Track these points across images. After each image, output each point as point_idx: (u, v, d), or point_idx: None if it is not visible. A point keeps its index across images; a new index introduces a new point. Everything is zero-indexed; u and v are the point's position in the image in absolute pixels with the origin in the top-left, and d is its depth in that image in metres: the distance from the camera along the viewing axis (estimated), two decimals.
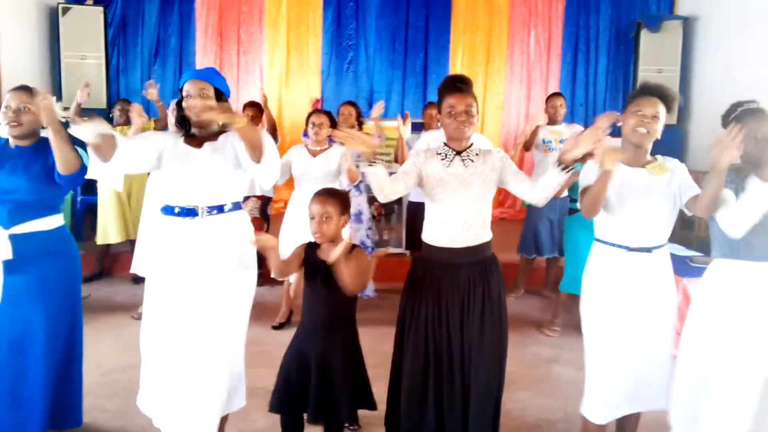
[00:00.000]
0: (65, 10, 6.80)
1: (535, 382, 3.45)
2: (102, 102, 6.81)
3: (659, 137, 2.36)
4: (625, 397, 2.42)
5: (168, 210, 2.40)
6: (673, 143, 6.41)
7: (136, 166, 2.41)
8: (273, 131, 5.22)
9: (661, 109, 2.33)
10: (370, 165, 2.30)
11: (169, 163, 2.40)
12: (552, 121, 4.90)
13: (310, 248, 2.40)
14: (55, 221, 2.57)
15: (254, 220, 4.95)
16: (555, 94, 5.05)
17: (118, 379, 3.09)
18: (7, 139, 2.57)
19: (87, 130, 2.14)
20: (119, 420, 2.87)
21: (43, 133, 2.64)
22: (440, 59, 7.51)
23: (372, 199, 5.05)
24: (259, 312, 3.93)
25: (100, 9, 6.97)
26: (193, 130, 2.45)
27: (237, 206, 2.46)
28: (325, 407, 2.29)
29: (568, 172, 2.25)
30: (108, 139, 2.23)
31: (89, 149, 2.26)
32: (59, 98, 6.84)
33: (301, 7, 7.44)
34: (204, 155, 2.38)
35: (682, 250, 4.62)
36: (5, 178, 2.45)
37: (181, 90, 2.43)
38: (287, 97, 7.53)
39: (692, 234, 5.62)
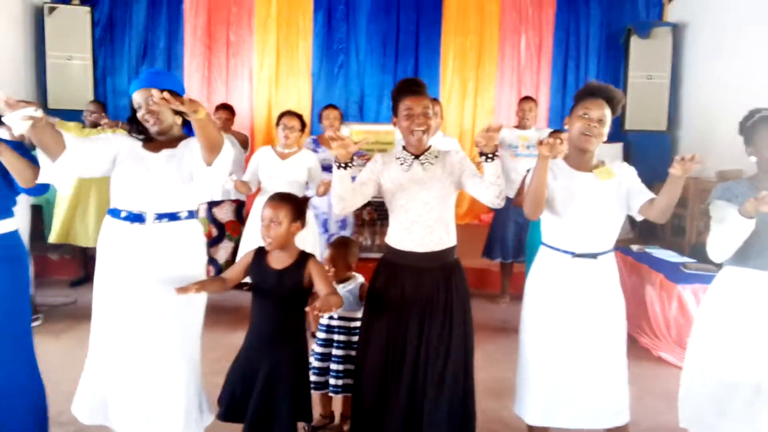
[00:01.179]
0: (51, 10, 6.69)
1: None
2: (99, 101, 6.69)
3: (605, 140, 2.35)
4: (566, 406, 2.38)
5: (115, 213, 2.34)
6: (662, 150, 6.43)
7: (89, 169, 2.32)
8: (244, 143, 5.18)
9: (607, 111, 2.31)
10: (339, 167, 2.25)
11: (122, 164, 2.33)
12: (521, 126, 4.86)
13: (260, 254, 2.34)
14: (5, 226, 2.46)
15: (229, 223, 4.90)
16: (526, 98, 4.98)
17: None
18: None
19: (13, 117, 2.01)
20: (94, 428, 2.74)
21: None
22: (431, 63, 7.49)
23: (365, 204, 5.01)
24: (219, 316, 3.86)
25: (87, 9, 6.87)
26: (153, 134, 2.38)
27: (191, 215, 2.39)
28: (264, 419, 2.23)
29: (489, 159, 2.21)
30: (53, 135, 2.14)
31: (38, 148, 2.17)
32: (44, 99, 6.74)
33: (291, 9, 7.38)
34: (160, 160, 2.32)
35: (674, 257, 4.63)
36: None
37: (131, 102, 2.34)
38: (276, 100, 7.45)
39: (684, 240, 5.63)
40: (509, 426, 2.94)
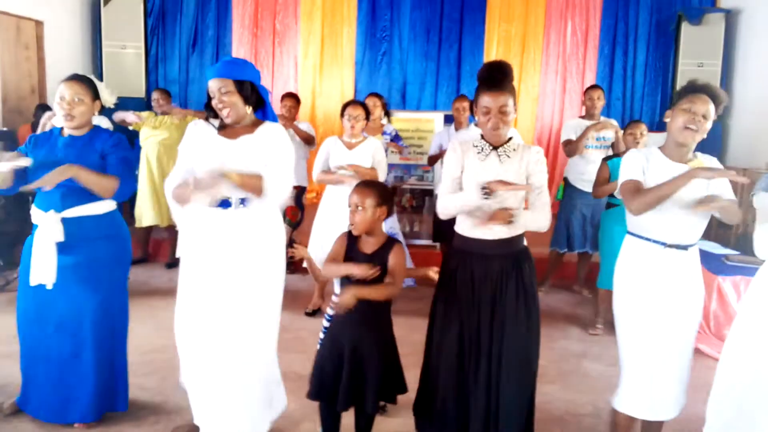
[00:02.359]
0: (107, 1, 6.95)
1: (563, 376, 3.45)
2: (141, 91, 6.96)
3: (705, 137, 2.33)
4: (661, 400, 2.40)
5: None
6: (713, 138, 6.26)
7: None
8: (308, 140, 5.29)
9: (711, 108, 2.29)
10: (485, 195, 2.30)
11: (204, 151, 2.43)
12: (589, 115, 4.83)
13: (351, 238, 2.41)
14: (106, 206, 2.66)
15: (289, 209, 5.05)
16: (593, 87, 4.96)
17: (156, 359, 3.19)
18: (61, 128, 2.67)
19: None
20: (158, 397, 2.98)
21: (95, 121, 2.74)
22: (475, 50, 7.45)
23: (404, 191, 5.09)
24: (291, 299, 4.01)
25: (140, 0, 7.11)
26: (227, 122, 2.48)
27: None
28: (354, 397, 2.33)
29: (488, 197, 2.25)
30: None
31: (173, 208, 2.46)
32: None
33: None
34: (238, 147, 2.41)
35: (717, 248, 4.55)
36: (61, 165, 2.52)
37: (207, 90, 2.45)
38: (321, 88, 7.57)
39: (730, 232, 5.50)
40: (542, 411, 2.97)
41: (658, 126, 7.17)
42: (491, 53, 7.46)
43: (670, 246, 2.35)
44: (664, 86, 7.30)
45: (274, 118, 2.56)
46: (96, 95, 2.68)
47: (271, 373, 2.59)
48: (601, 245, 4.16)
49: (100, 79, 6.93)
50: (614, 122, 4.84)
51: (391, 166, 4.65)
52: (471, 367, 2.36)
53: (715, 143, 5.99)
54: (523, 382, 2.37)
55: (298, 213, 5.02)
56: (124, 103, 5.79)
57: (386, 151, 4.46)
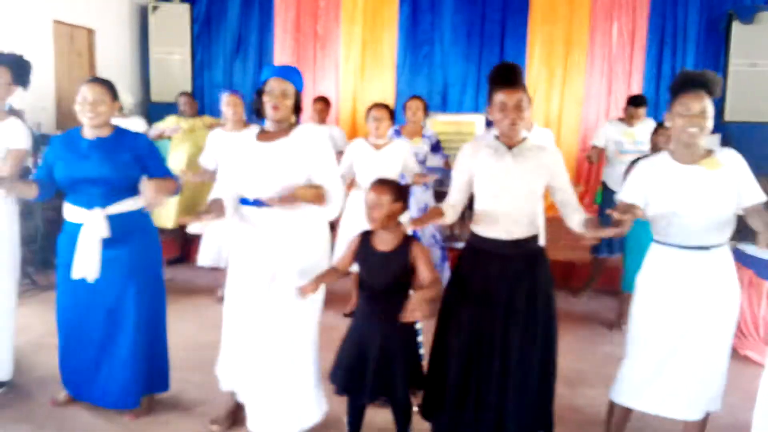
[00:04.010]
0: (155, 8, 7.18)
1: (605, 381, 3.31)
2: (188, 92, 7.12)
3: (711, 131, 2.27)
4: (666, 396, 2.36)
5: (244, 201, 2.55)
6: (766, 142, 6.06)
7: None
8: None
9: (708, 101, 2.24)
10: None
11: (242, 155, 2.51)
12: (629, 123, 4.74)
13: (365, 238, 2.44)
14: (137, 203, 2.74)
15: None
16: (639, 102, 4.77)
17: (201, 356, 3.27)
18: (80, 129, 2.76)
19: None
20: (202, 390, 3.06)
21: (131, 123, 2.85)
22: (517, 53, 7.36)
23: (439, 195, 5.06)
24: (329, 300, 4.01)
25: (187, 6, 7.32)
26: (268, 125, 2.55)
27: None
28: (382, 388, 2.36)
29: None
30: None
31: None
32: (147, 92, 7.23)
33: (378, 1, 7.50)
34: (275, 149, 2.47)
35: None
36: (94, 168, 2.66)
37: (264, 83, 2.51)
38: (362, 92, 7.62)
39: None
40: (581, 413, 2.95)
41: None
42: (534, 55, 7.38)
43: (692, 248, 2.30)
44: None
45: None
46: (115, 96, 2.78)
47: (312, 373, 2.62)
48: (626, 249, 4.06)
49: (148, 84, 7.19)
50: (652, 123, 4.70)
51: (431, 170, 4.64)
52: (482, 367, 2.35)
53: (767, 147, 5.78)
54: (537, 383, 2.35)
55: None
56: (169, 108, 5.95)
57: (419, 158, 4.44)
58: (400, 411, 2.49)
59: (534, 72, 7.41)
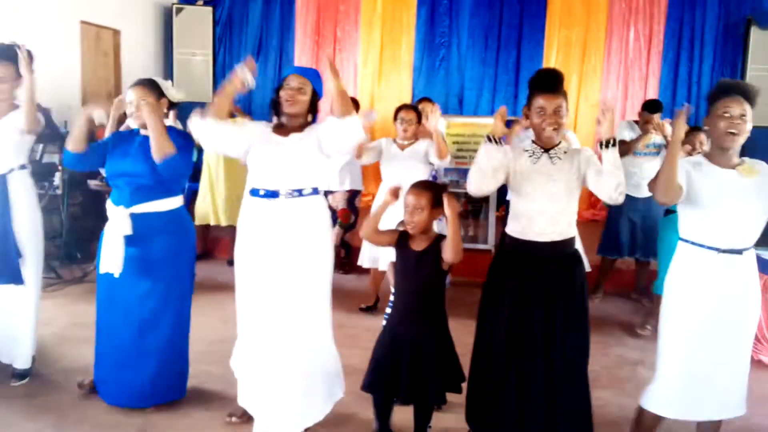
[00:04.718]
0: (178, 10, 7.32)
1: (617, 382, 3.42)
2: (208, 96, 7.21)
3: (749, 136, 2.31)
4: (695, 401, 2.38)
5: (254, 192, 2.62)
6: None
7: (229, 147, 2.64)
8: None
9: (747, 107, 2.27)
10: (490, 141, 2.35)
11: (258, 148, 2.60)
12: (644, 130, 4.71)
13: (403, 237, 2.50)
14: (172, 203, 2.85)
15: (342, 211, 5.18)
16: (655, 108, 4.62)
17: (222, 349, 3.33)
18: (138, 129, 2.88)
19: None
20: (222, 383, 3.13)
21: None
22: (534, 56, 7.42)
23: (458, 195, 5.12)
24: (346, 298, 4.12)
25: (210, 9, 7.46)
26: (283, 119, 2.64)
27: (315, 191, 2.63)
28: (416, 390, 2.40)
29: (609, 146, 2.26)
30: (227, 106, 2.56)
31: (212, 106, 2.54)
32: None
33: (396, 5, 7.59)
34: (289, 144, 2.57)
35: None
36: (131, 165, 2.77)
37: (283, 80, 2.61)
38: (380, 94, 7.70)
39: None
40: (597, 415, 2.96)
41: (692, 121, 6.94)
42: (551, 59, 7.42)
43: (725, 251, 2.32)
44: None
45: None
46: (160, 94, 2.86)
47: (331, 363, 2.70)
48: (659, 251, 4.08)
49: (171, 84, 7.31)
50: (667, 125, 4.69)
51: (446, 171, 4.70)
52: (524, 370, 2.37)
53: None
54: (580, 384, 2.39)
55: (351, 216, 5.14)
56: (192, 107, 6.07)
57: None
58: (424, 412, 2.53)
59: None
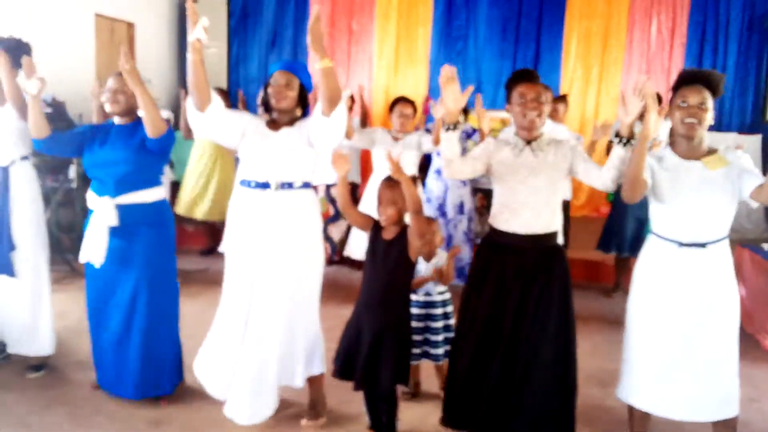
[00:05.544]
0: (193, 2, 7.27)
1: None
2: (223, 88, 7.23)
3: (711, 124, 2.27)
4: (669, 396, 2.35)
5: (245, 183, 2.63)
6: None
7: (223, 134, 2.62)
8: (364, 119, 5.39)
9: (707, 95, 2.23)
10: (447, 129, 2.35)
11: (250, 139, 2.61)
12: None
13: (377, 228, 2.53)
14: (155, 194, 2.83)
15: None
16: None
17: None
18: (112, 121, 2.88)
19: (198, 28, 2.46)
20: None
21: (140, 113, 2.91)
22: (553, 48, 7.28)
23: (475, 191, 5.04)
24: (332, 290, 4.05)
25: (224, 1, 7.43)
26: (274, 115, 2.66)
27: (306, 185, 2.64)
28: (369, 376, 2.43)
29: (627, 145, 2.22)
30: (205, 77, 2.47)
31: (189, 88, 2.46)
32: (185, 84, 7.33)
33: None
34: (280, 137, 2.59)
35: None
36: (109, 152, 2.76)
37: (269, 76, 2.62)
38: (395, 87, 7.61)
39: None
40: (611, 414, 2.92)
41: (750, 128, 6.78)
42: (570, 51, 7.29)
43: (685, 245, 2.29)
44: (757, 86, 6.90)
45: None
46: None
47: (312, 339, 2.71)
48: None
49: (184, 77, 7.28)
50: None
51: None
52: (502, 361, 2.36)
53: None
54: (557, 379, 2.35)
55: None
56: None
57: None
58: (382, 401, 2.52)
59: (570, 68, 7.31)
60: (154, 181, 2.86)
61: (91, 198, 2.81)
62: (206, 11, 7.21)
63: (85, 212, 5.12)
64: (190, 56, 2.44)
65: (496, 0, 7.33)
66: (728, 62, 6.99)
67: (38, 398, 2.94)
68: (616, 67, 7.26)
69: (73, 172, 5.13)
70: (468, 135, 4.80)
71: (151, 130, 2.67)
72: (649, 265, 2.42)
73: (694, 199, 2.27)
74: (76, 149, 2.88)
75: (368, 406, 2.60)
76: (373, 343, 2.42)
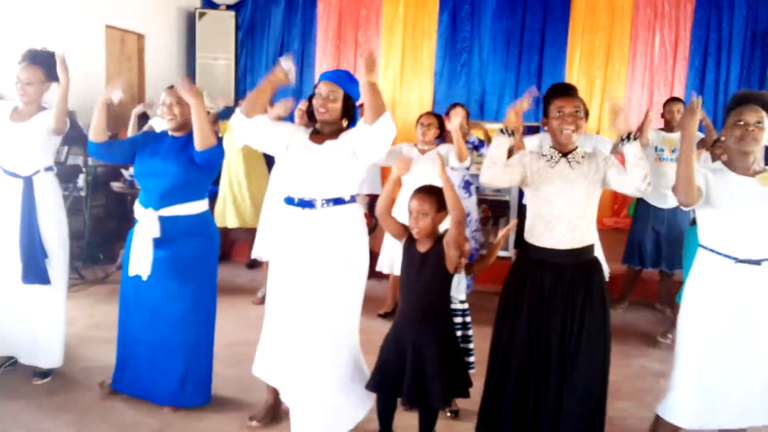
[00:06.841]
0: (201, 15, 7.40)
1: (637, 394, 3.35)
2: (230, 100, 7.32)
3: (766, 143, 2.31)
4: (713, 411, 2.35)
5: (289, 200, 2.61)
6: None
7: (267, 142, 2.64)
8: None
9: (763, 114, 2.27)
10: (503, 133, 2.39)
11: (293, 153, 2.59)
12: (668, 128, 4.67)
13: (410, 240, 2.51)
14: (198, 207, 2.87)
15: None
16: (674, 99, 4.82)
17: (239, 352, 3.37)
18: (166, 131, 2.92)
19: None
20: (239, 387, 3.15)
21: None
22: (556, 61, 7.35)
23: (480, 202, 5.09)
24: (366, 303, 4.09)
25: (232, 13, 7.53)
26: (318, 126, 2.63)
27: (352, 199, 2.60)
28: (418, 393, 2.39)
29: (630, 140, 2.27)
30: (265, 102, 2.59)
31: (245, 100, 2.55)
32: None
33: (418, 10, 7.58)
34: (324, 151, 2.54)
35: None
36: (160, 163, 2.79)
37: (315, 87, 2.60)
38: (400, 98, 7.69)
39: None
40: (612, 426, 2.91)
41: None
42: (574, 64, 7.36)
43: (742, 261, 2.28)
44: None
45: None
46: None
47: (357, 366, 2.67)
48: (684, 262, 4.01)
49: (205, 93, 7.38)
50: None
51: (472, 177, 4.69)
52: (540, 378, 2.36)
53: None
54: (594, 395, 2.35)
55: (372, 220, 5.13)
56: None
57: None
58: (428, 415, 2.51)
59: (573, 81, 7.34)
60: (199, 195, 2.87)
61: (138, 209, 2.85)
62: (214, 23, 7.37)
63: (94, 221, 5.28)
64: (268, 80, 2.55)
65: (501, 13, 7.41)
66: (731, 76, 7.04)
67: (44, 405, 2.96)
68: (620, 80, 7.32)
69: (82, 180, 5.21)
70: (475, 147, 4.84)
71: (200, 142, 2.66)
72: (704, 283, 2.39)
73: (751, 213, 2.28)
74: (129, 156, 2.92)
75: (380, 413, 2.56)
76: (416, 359, 2.37)
